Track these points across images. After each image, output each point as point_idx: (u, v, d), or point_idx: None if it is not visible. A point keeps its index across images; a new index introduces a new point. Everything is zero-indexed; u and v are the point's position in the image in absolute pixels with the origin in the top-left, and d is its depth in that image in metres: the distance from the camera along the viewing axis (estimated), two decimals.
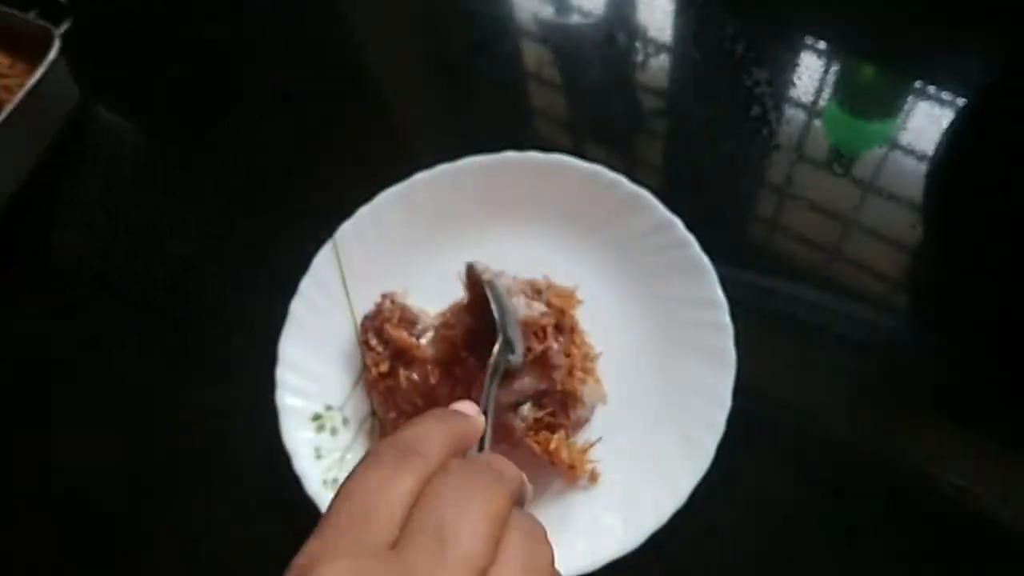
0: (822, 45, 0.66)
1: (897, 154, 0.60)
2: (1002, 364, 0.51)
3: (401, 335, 0.53)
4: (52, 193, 0.65)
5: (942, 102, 0.62)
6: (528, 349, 0.51)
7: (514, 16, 0.72)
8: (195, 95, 0.69)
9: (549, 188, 0.59)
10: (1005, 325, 0.53)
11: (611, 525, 0.48)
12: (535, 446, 0.49)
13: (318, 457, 0.50)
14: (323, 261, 0.57)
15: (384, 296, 0.55)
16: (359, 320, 0.56)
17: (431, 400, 0.51)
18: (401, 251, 0.58)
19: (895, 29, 0.57)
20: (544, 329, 0.52)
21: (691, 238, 0.55)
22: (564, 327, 0.53)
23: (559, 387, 0.51)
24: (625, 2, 0.71)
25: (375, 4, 0.77)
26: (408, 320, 0.54)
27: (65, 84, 0.66)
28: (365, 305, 0.56)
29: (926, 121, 0.61)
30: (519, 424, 0.50)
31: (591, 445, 0.51)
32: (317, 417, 0.52)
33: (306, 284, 0.56)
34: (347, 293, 0.58)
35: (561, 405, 0.51)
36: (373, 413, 0.54)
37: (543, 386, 0.51)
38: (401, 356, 0.52)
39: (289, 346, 0.53)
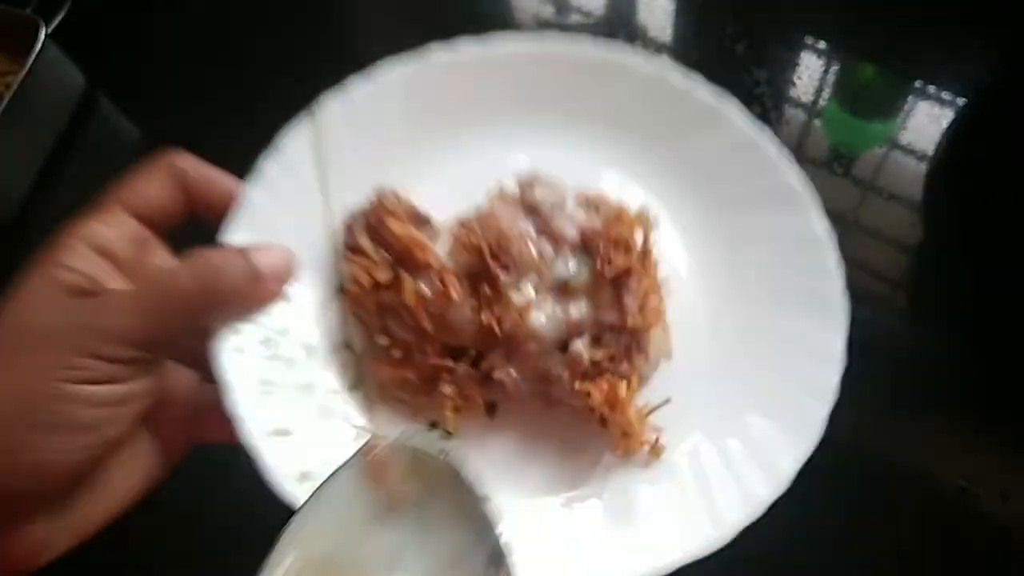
0: (822, 45, 0.66)
1: (897, 154, 0.60)
2: (1002, 364, 0.51)
3: (411, 232, 0.41)
4: (59, 190, 0.65)
5: (942, 102, 0.62)
6: (605, 263, 0.39)
7: (514, 16, 0.72)
8: (199, 95, 0.69)
9: (603, 88, 0.49)
10: (1005, 325, 0.53)
11: (682, 517, 0.38)
12: (583, 398, 0.39)
13: (266, 393, 0.39)
14: (296, 139, 0.45)
15: (382, 190, 0.44)
16: (339, 219, 0.44)
17: (444, 326, 0.40)
18: (400, 144, 0.47)
19: (895, 29, 0.57)
20: (617, 243, 0.41)
21: (786, 160, 0.46)
22: (633, 250, 0.42)
23: (629, 323, 0.40)
24: (625, 2, 0.71)
25: None
26: (418, 220, 0.43)
27: (65, 77, 0.66)
28: (344, 204, 0.45)
29: (926, 121, 0.61)
30: (572, 365, 0.39)
31: (655, 407, 0.41)
32: (269, 342, 0.40)
33: (269, 165, 0.43)
34: (324, 186, 0.46)
35: (626, 349, 0.40)
36: (347, 345, 0.43)
37: (608, 319, 0.40)
38: (407, 262, 0.41)
39: (236, 240, 0.41)
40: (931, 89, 0.63)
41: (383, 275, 0.40)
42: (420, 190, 0.45)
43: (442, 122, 0.48)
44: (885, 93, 0.65)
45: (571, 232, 0.42)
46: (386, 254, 0.41)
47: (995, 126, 0.61)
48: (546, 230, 0.42)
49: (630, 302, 0.39)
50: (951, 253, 0.57)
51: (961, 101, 0.62)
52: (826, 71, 0.64)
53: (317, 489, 0.29)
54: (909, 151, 0.60)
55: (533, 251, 0.41)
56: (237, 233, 0.41)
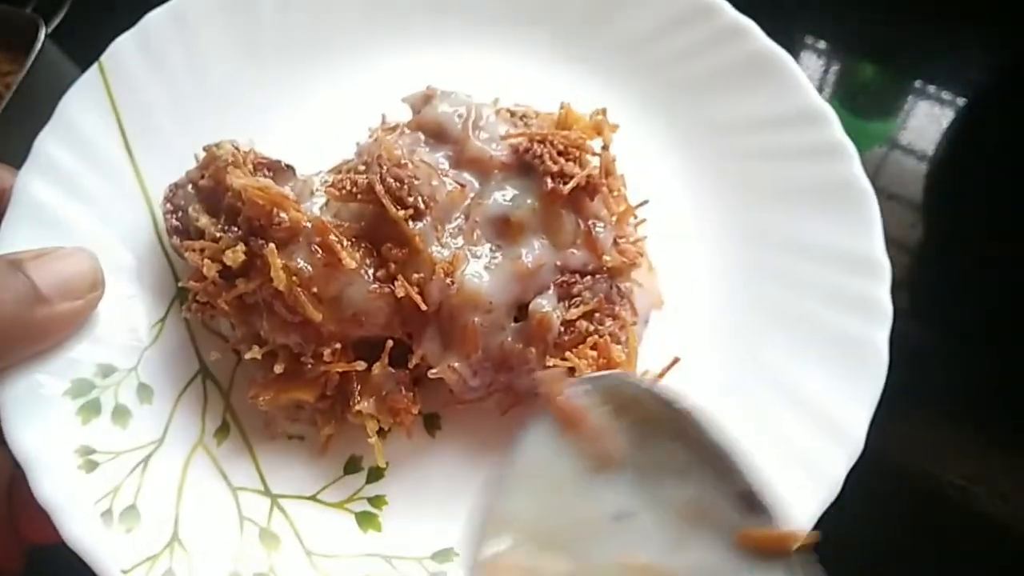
0: (822, 45, 0.66)
1: (897, 154, 0.60)
2: (1002, 364, 0.51)
3: (263, 183, 0.29)
4: None
5: (942, 102, 0.62)
6: (557, 178, 0.30)
7: None
8: None
9: None
10: (1005, 325, 0.52)
11: None
12: (563, 366, 0.29)
13: (89, 468, 0.27)
14: (85, 104, 0.35)
15: (212, 148, 0.32)
16: (161, 194, 0.32)
17: (341, 311, 0.29)
18: (233, 84, 0.36)
19: (895, 29, 0.57)
20: (567, 150, 0.30)
21: (756, 30, 0.38)
22: (586, 165, 0.32)
23: (606, 262, 0.31)
24: None
25: None
26: (273, 169, 0.32)
27: (64, 77, 0.66)
28: (167, 175, 0.33)
29: (926, 121, 0.61)
30: (538, 334, 0.29)
31: (664, 371, 0.32)
32: (83, 390, 0.29)
33: (51, 144, 0.33)
34: (130, 154, 0.34)
35: (606, 298, 0.31)
36: (202, 371, 0.31)
37: (576, 260, 0.31)
38: (266, 230, 0.29)
39: (12, 245, 0.30)
40: (931, 89, 0.63)
41: (233, 256, 0.28)
42: (269, 142, 0.34)
43: (288, 43, 0.37)
44: (885, 93, 0.65)
45: (499, 151, 0.31)
46: (233, 227, 0.29)
47: (995, 126, 0.60)
48: (464, 156, 0.31)
49: (602, 233, 0.30)
50: (951, 253, 0.57)
51: (961, 101, 0.62)
52: (826, 71, 0.64)
53: (511, 457, 0.23)
54: (909, 151, 0.60)
55: (449, 185, 0.30)
56: (14, 237, 0.31)
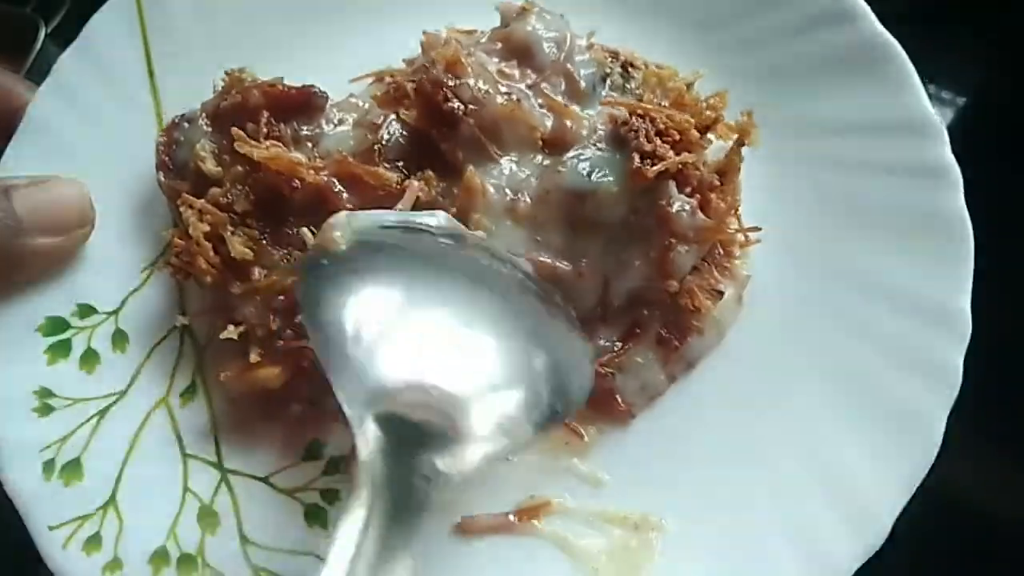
0: None
1: None
2: (1002, 364, 0.51)
3: (275, 157, 0.27)
4: None
5: (942, 102, 0.62)
6: (644, 159, 0.26)
7: None
8: None
9: None
10: (1004, 325, 0.52)
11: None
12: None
13: (44, 412, 0.26)
14: (112, 24, 0.34)
15: (234, 72, 0.31)
16: (167, 122, 0.31)
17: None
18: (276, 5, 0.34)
19: (895, 29, 0.57)
20: (668, 131, 0.27)
21: (867, 13, 0.36)
22: (693, 148, 0.28)
23: (669, 291, 0.28)
24: None
25: None
26: (298, 104, 0.29)
27: None
28: (183, 100, 0.32)
29: None
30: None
31: None
32: (57, 328, 0.28)
33: (72, 63, 0.33)
34: (153, 82, 0.33)
35: (676, 327, 0.29)
36: (182, 323, 0.30)
37: (634, 276, 0.28)
38: (286, 203, 0.28)
39: (11, 168, 0.30)
40: (931, 89, 0.63)
41: (240, 252, 0.27)
42: (309, 57, 0.32)
43: None
44: None
45: (592, 112, 0.27)
46: (248, 167, 0.26)
47: (995, 126, 0.60)
48: (543, 91, 0.27)
49: (681, 255, 0.26)
50: None
51: (961, 101, 0.62)
52: None
53: None
54: None
55: (503, 96, 0.26)
56: (17, 158, 0.30)
